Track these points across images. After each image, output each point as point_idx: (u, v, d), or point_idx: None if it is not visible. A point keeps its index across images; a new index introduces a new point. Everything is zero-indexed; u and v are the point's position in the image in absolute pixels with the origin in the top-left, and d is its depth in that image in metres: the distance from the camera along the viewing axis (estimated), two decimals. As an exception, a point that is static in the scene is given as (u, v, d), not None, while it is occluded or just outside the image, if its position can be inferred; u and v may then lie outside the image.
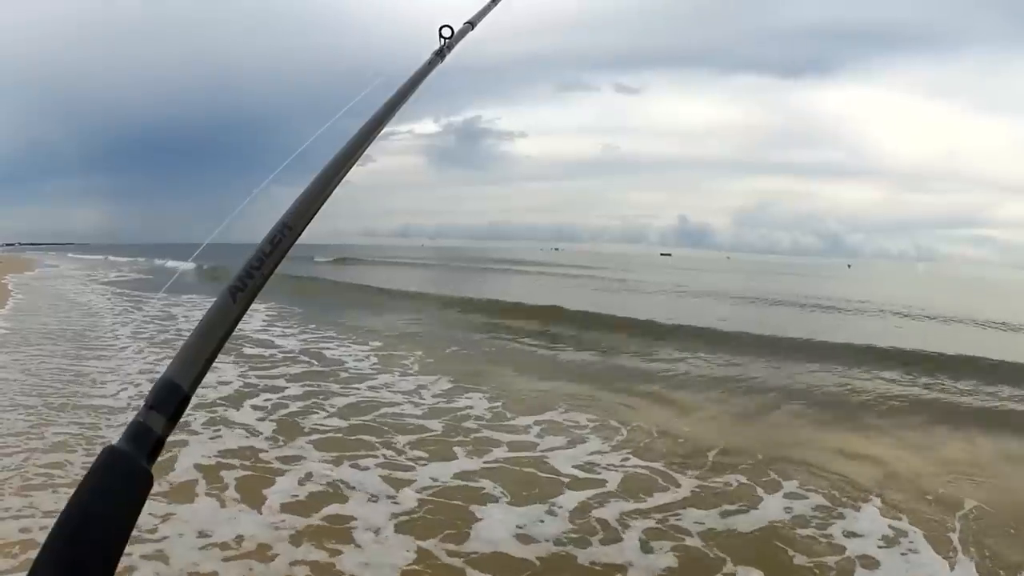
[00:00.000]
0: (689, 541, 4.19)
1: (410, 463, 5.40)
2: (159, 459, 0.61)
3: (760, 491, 5.06)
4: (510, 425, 6.63)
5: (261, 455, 5.45)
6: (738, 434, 6.69)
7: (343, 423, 6.51)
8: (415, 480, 5.02)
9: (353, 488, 4.81)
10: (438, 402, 7.48)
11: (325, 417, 6.71)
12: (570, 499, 4.78)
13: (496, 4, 1.67)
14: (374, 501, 4.61)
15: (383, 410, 7.04)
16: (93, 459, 0.58)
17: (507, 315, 15.44)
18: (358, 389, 8.01)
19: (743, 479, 5.29)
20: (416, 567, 3.74)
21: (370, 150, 1.02)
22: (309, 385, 8.12)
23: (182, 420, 0.64)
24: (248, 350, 10.24)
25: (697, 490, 5.05)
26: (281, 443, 5.80)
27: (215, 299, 0.70)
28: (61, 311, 15.48)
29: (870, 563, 3.99)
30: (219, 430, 6.03)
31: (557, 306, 16.21)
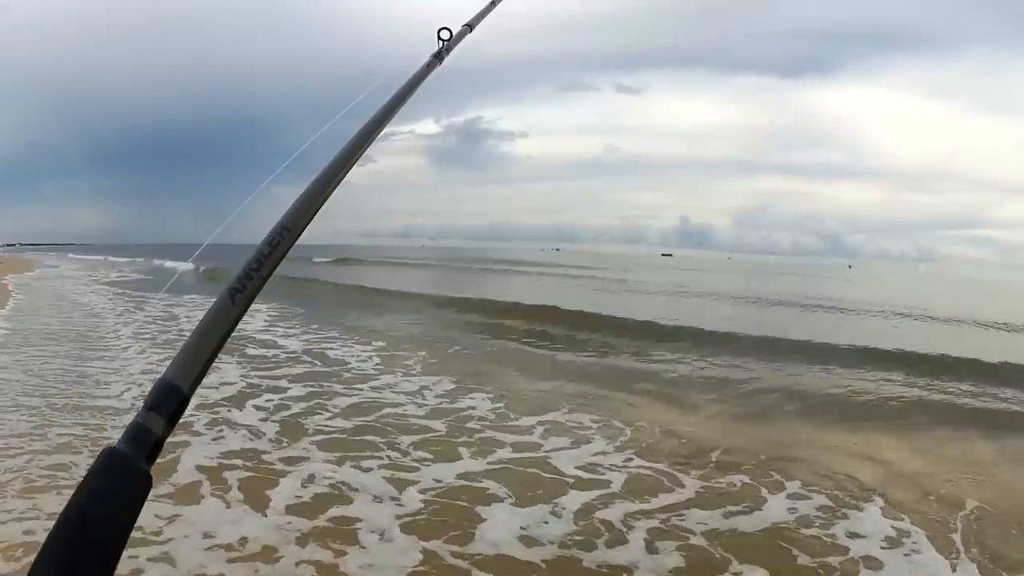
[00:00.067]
0: (694, 541, 4.20)
1: (414, 464, 5.41)
2: (159, 460, 0.61)
3: (764, 491, 5.08)
4: (513, 426, 6.64)
5: (264, 456, 5.46)
6: (741, 434, 6.70)
7: (346, 424, 6.51)
8: (419, 481, 5.02)
9: (357, 489, 4.81)
10: (441, 403, 7.49)
11: (328, 418, 6.71)
12: (574, 500, 4.79)
13: (494, 7, 1.66)
14: (378, 502, 4.61)
15: (386, 411, 7.04)
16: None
17: (509, 315, 15.44)
18: (361, 390, 8.01)
19: (746, 479, 5.30)
20: (421, 568, 3.75)
21: (371, 151, 1.02)
22: (312, 386, 8.12)
23: (184, 421, 0.65)
24: (251, 350, 10.25)
25: (701, 490, 5.06)
26: (284, 444, 5.80)
27: (214, 300, 0.71)
28: (62, 312, 15.48)
29: (874, 564, 4.00)
30: (222, 431, 6.03)
31: (557, 306, 16.23)
